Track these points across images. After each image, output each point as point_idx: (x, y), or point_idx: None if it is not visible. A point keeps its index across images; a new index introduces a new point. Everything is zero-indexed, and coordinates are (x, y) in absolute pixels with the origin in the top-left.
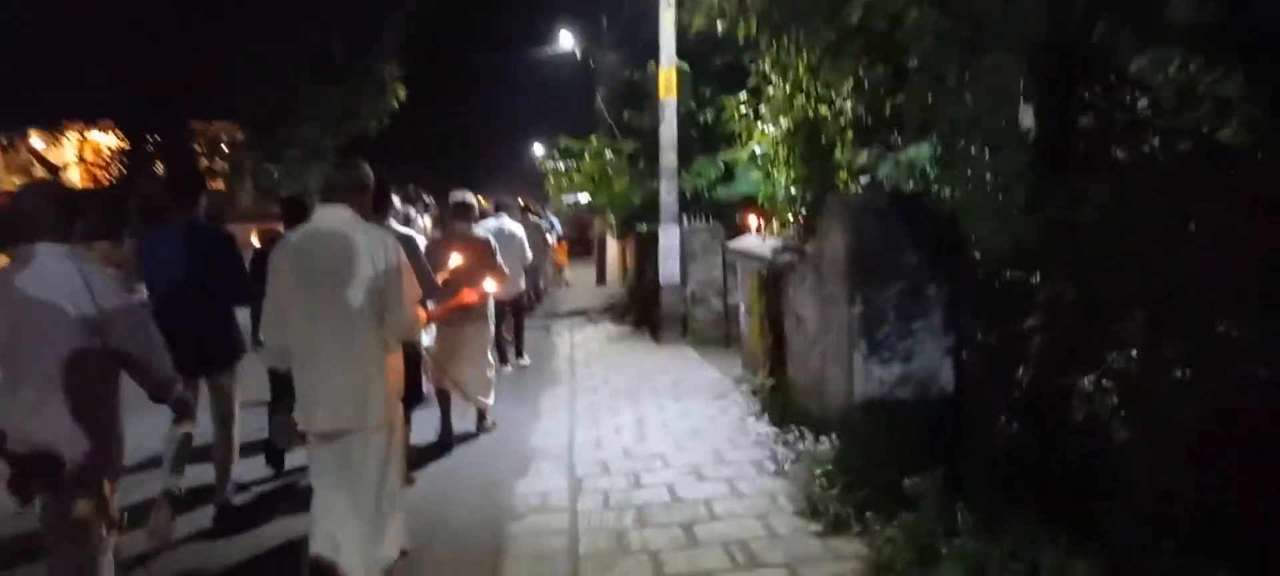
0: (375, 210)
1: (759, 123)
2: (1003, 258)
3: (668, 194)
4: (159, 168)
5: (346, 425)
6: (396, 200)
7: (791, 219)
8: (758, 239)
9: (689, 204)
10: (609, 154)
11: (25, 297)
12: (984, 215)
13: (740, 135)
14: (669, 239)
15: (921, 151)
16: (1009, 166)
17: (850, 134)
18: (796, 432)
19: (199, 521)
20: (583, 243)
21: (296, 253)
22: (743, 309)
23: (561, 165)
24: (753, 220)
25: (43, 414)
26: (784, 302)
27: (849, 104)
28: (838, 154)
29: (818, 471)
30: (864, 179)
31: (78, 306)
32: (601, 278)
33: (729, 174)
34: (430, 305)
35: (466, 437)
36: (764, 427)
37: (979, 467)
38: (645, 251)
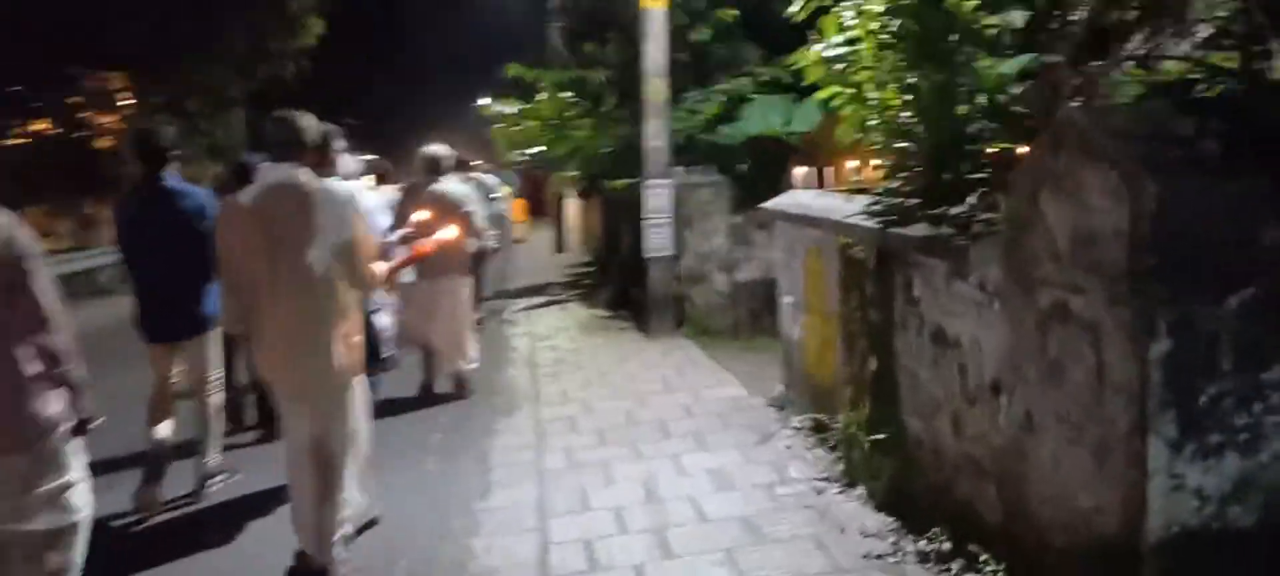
0: (322, 165)
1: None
2: None
3: (655, 137)
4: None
5: (313, 386)
6: (346, 154)
7: (900, 164)
8: (820, 195)
9: (679, 151)
10: (568, 93)
11: None
12: None
13: (813, 32)
14: (658, 198)
15: None
16: None
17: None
18: (943, 541)
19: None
20: (537, 202)
21: (249, 214)
22: (789, 302)
23: (509, 110)
24: (800, 170)
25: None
26: (898, 307)
27: None
28: (983, 64)
29: None
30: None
31: None
32: (561, 243)
33: (730, 109)
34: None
35: (446, 399)
36: (869, 517)
37: None
38: (621, 214)
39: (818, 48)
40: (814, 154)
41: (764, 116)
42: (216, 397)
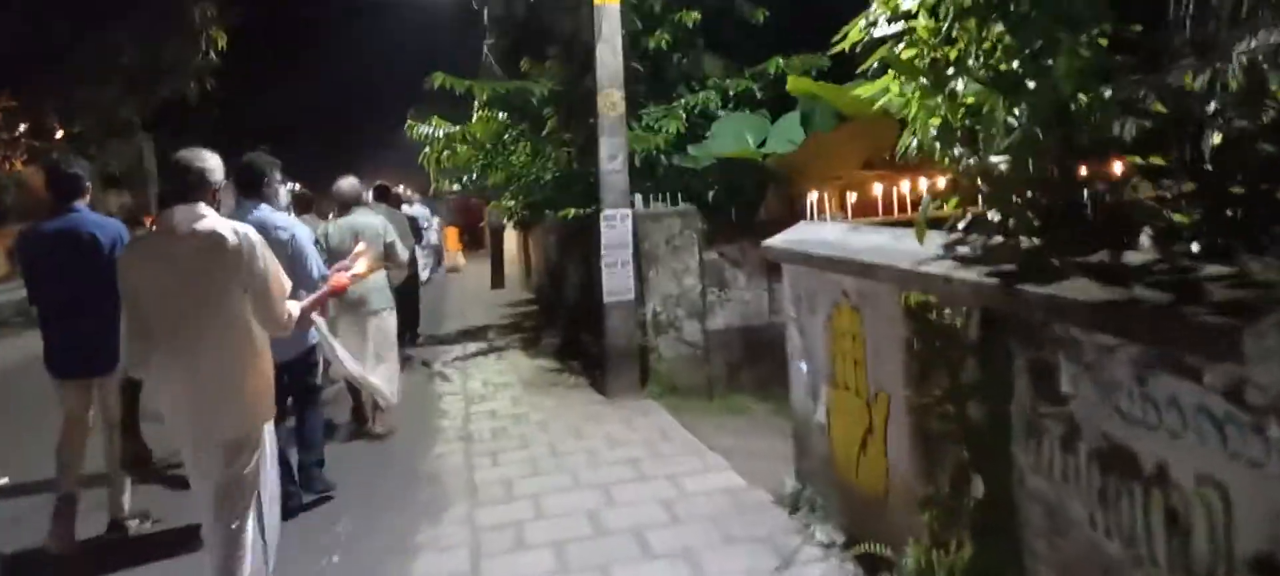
0: (250, 195)
1: None
2: None
3: (612, 159)
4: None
5: (225, 436)
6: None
7: (1011, 184)
8: (854, 230)
9: (636, 176)
10: (504, 112)
11: None
12: None
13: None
14: (616, 231)
15: None
16: None
17: None
18: None
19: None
20: (472, 233)
21: (151, 256)
22: (803, 370)
23: (436, 132)
24: (814, 195)
25: None
26: (1024, 403)
27: None
28: None
29: None
30: None
31: None
32: (498, 279)
33: (695, 127)
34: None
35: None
36: None
37: None
38: (568, 247)
39: (868, 23)
40: (794, 179)
41: (736, 135)
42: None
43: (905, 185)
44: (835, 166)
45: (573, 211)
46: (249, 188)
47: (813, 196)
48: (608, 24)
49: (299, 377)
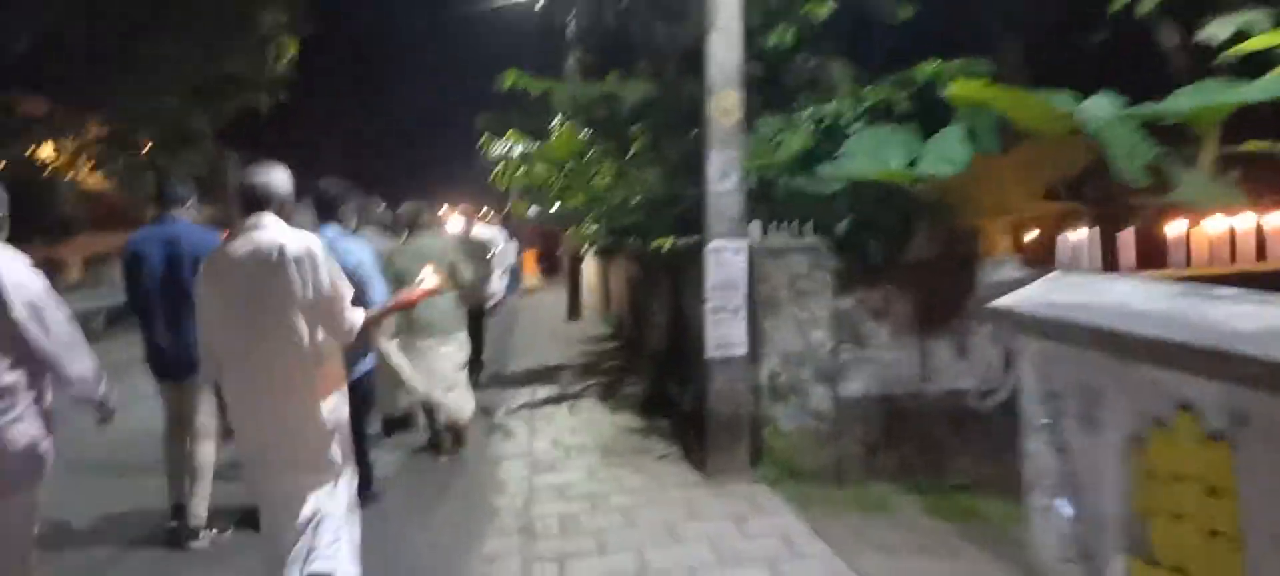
0: (323, 217)
1: None
2: None
3: (724, 177)
4: None
5: (295, 472)
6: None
7: None
8: (1195, 295)
9: (749, 200)
10: (584, 131)
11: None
12: None
13: None
14: (727, 267)
15: None
16: None
17: None
18: None
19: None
20: (549, 259)
21: (217, 270)
22: (1066, 515)
23: (513, 149)
24: (1075, 235)
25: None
26: None
27: None
28: None
29: None
30: None
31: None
32: (575, 310)
33: (824, 143)
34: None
35: None
36: None
37: None
38: (655, 282)
39: None
40: (955, 210)
41: (876, 154)
42: (207, 445)
43: (1217, 224)
44: (1008, 196)
45: (668, 241)
46: (322, 210)
47: (1078, 235)
48: (724, 10)
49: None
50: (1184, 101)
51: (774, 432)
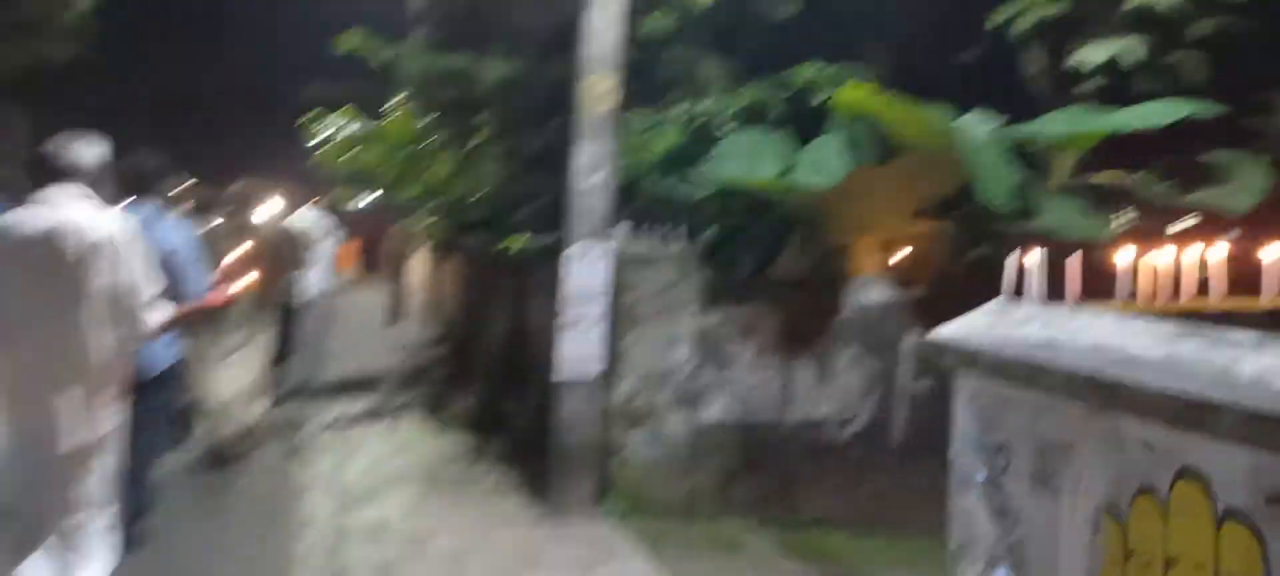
0: (134, 195)
1: None
2: None
3: (594, 171)
4: None
5: (66, 445)
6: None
7: None
8: (1176, 332)
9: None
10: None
11: None
12: None
13: None
14: (587, 275)
15: None
16: None
17: None
18: None
19: None
20: (372, 254)
21: (8, 247)
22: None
23: (344, 128)
24: (1031, 256)
25: None
26: None
27: None
28: None
29: None
30: None
31: None
32: (397, 312)
33: (693, 144)
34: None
35: None
36: None
37: None
38: (498, 286)
39: None
40: (829, 224)
41: (750, 159)
42: None
43: (1165, 256)
44: (880, 213)
45: (519, 241)
46: (134, 186)
47: (1033, 259)
48: None
49: (153, 397)
50: (1055, 126)
51: (625, 462)
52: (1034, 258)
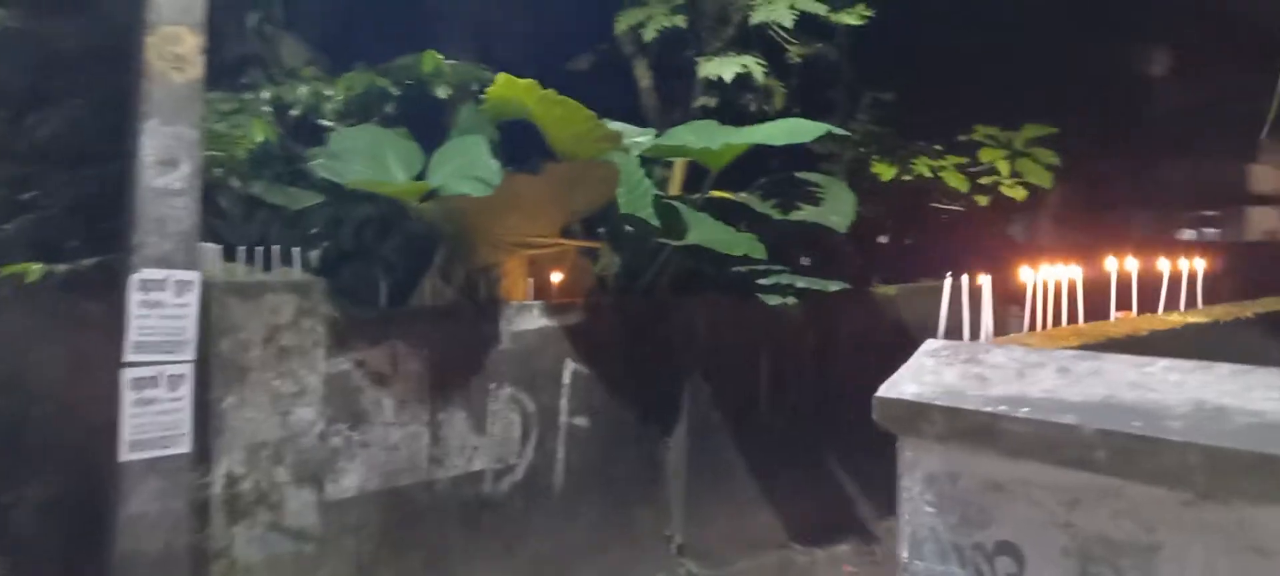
0: None
1: None
2: None
3: (166, 170)
4: None
5: None
6: None
7: None
8: (1207, 378)
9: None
10: None
11: None
12: None
13: None
14: (164, 313)
15: None
16: None
17: None
18: None
19: None
20: None
21: None
22: None
23: None
24: (984, 279)
25: None
26: None
27: None
28: None
29: None
30: None
31: None
32: None
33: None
34: None
35: None
36: None
37: None
38: None
39: None
40: (475, 239)
41: (373, 159)
42: None
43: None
44: (534, 227)
45: (34, 270)
46: None
47: (982, 282)
48: None
49: None
50: (707, 137)
51: (230, 570)
52: (982, 282)
